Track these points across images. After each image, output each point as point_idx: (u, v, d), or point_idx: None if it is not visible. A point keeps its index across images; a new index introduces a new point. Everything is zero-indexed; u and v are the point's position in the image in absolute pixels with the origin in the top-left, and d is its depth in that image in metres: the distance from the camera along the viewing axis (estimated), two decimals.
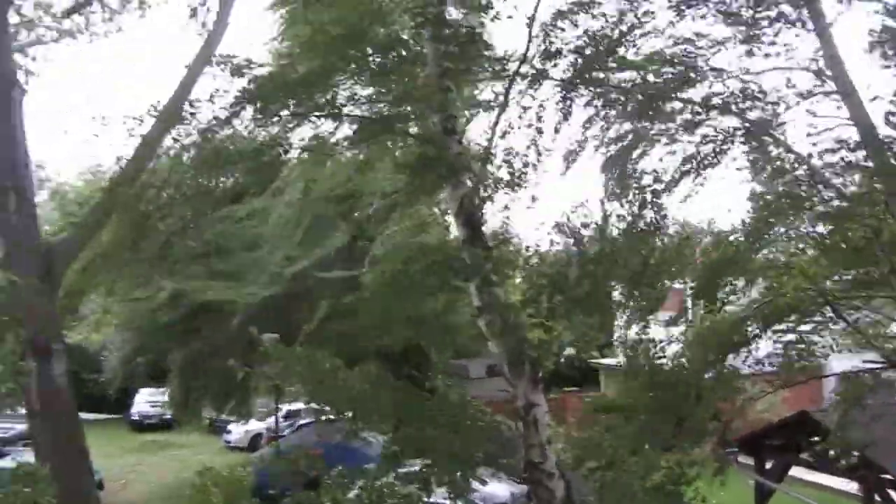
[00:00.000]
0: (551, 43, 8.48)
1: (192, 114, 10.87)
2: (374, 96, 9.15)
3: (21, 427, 20.58)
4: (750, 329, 10.82)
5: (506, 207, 9.00)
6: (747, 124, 9.74)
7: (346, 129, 9.52)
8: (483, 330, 8.46)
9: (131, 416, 34.53)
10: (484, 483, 15.16)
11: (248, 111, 9.41)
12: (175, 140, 12.64)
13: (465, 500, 16.33)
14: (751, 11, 9.84)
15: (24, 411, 15.33)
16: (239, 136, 11.73)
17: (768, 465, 16.06)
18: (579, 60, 8.71)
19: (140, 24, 17.62)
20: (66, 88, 74.28)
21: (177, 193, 18.73)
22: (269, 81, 8.61)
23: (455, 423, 8.84)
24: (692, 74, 9.61)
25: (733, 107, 9.80)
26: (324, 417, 10.82)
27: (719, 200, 11.71)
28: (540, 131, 8.78)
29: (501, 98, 8.91)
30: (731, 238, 10.71)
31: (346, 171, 12.92)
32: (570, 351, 12.70)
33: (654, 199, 9.22)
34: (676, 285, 12.35)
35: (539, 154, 8.68)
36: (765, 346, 11.68)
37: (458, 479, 8.41)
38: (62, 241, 16.88)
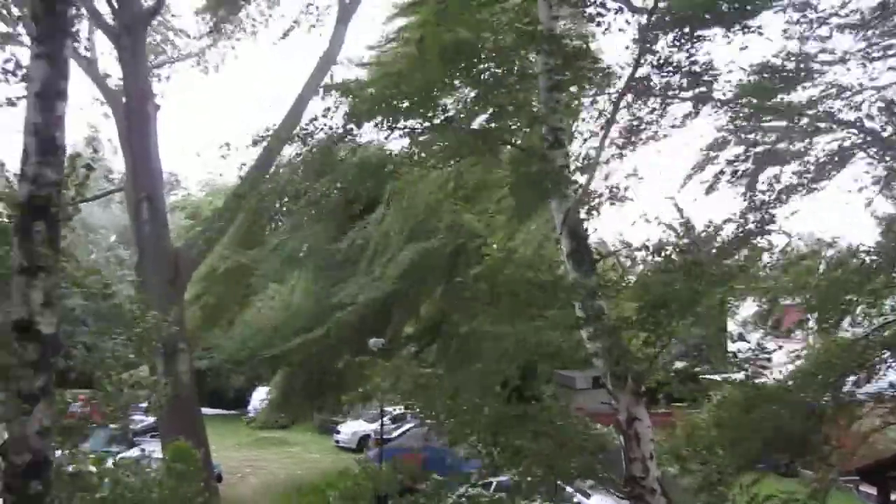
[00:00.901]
0: (666, 60, 8.40)
1: (305, 130, 11.47)
2: (480, 110, 9.32)
3: (150, 420, 21.96)
4: (873, 353, 10.32)
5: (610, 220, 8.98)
6: (869, 137, 9.31)
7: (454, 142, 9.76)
8: (585, 342, 8.47)
9: (248, 412, 36.13)
10: (587, 496, 15.09)
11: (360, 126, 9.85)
12: (295, 154, 13.38)
13: None
14: (874, 23, 9.44)
15: None
16: (351, 148, 12.26)
17: (894, 497, 15.18)
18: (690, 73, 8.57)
19: (261, 46, 18.66)
20: (194, 104, 78.64)
21: (293, 202, 19.67)
22: (378, 99, 8.93)
23: (553, 434, 8.85)
24: (808, 86, 9.28)
25: (856, 119, 9.41)
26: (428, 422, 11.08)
27: (840, 217, 11.24)
28: (645, 143, 8.72)
29: (608, 112, 8.92)
30: (856, 257, 10.24)
31: (451, 182, 13.20)
32: (680, 364, 12.50)
33: (766, 212, 8.95)
34: (791, 301, 11.91)
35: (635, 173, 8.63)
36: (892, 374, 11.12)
37: (549, 489, 8.42)
38: (189, 247, 17.96)
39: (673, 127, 9.53)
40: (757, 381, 9.76)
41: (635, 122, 9.10)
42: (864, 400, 10.64)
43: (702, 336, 11.11)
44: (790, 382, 10.19)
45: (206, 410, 22.12)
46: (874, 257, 9.65)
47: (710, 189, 10.96)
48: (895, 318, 10.58)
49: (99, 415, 13.00)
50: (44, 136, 4.96)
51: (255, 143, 11.09)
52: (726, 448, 9.49)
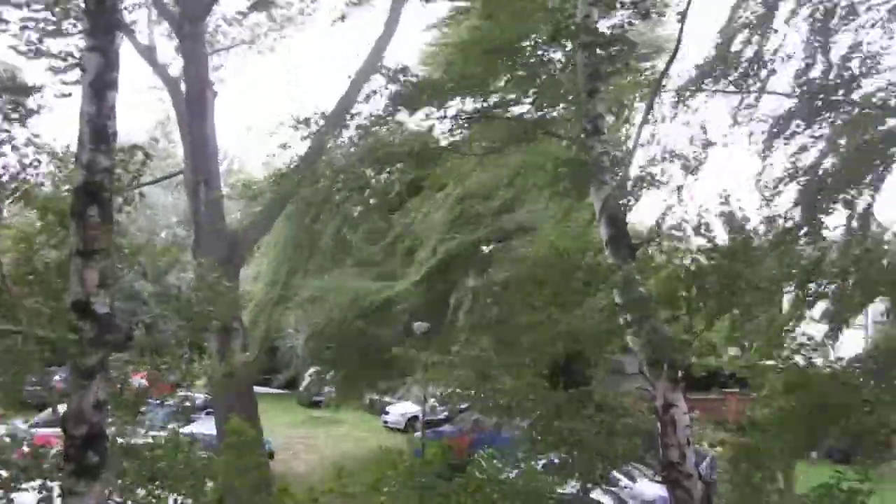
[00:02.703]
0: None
1: (357, 114, 11.72)
2: (523, 100, 9.42)
3: (204, 397, 22.69)
4: None
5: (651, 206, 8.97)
6: None
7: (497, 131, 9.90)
8: (624, 328, 8.51)
9: (300, 392, 37.02)
10: (633, 480, 15.12)
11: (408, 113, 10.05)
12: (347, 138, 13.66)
13: (612, 495, 16.26)
14: None
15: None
16: (399, 134, 12.47)
17: None
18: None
19: (316, 33, 18.91)
20: (250, 89, 79.95)
21: (345, 187, 19.93)
22: (426, 87, 9.11)
23: (599, 419, 8.93)
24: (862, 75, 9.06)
25: None
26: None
27: None
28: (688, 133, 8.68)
29: (647, 100, 8.90)
30: None
31: (494, 170, 13.30)
32: (733, 351, 12.38)
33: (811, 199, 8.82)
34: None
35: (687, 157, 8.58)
36: None
37: (594, 472, 8.53)
38: (244, 229, 18.46)
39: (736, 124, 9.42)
40: (813, 368, 9.67)
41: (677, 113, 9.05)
42: None
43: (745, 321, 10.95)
44: (846, 369, 10.02)
45: (258, 389, 22.78)
46: None
47: (779, 183, 10.70)
48: None
49: (157, 390, 13.57)
50: (96, 125, 5.26)
51: (304, 123, 11.32)
52: (776, 435, 9.39)
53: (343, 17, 17.85)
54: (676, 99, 9.16)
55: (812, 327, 10.32)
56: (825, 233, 9.53)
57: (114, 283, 5.81)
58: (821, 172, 9.85)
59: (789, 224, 8.41)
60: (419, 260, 21.01)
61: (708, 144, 9.10)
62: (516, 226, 17.78)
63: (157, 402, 16.64)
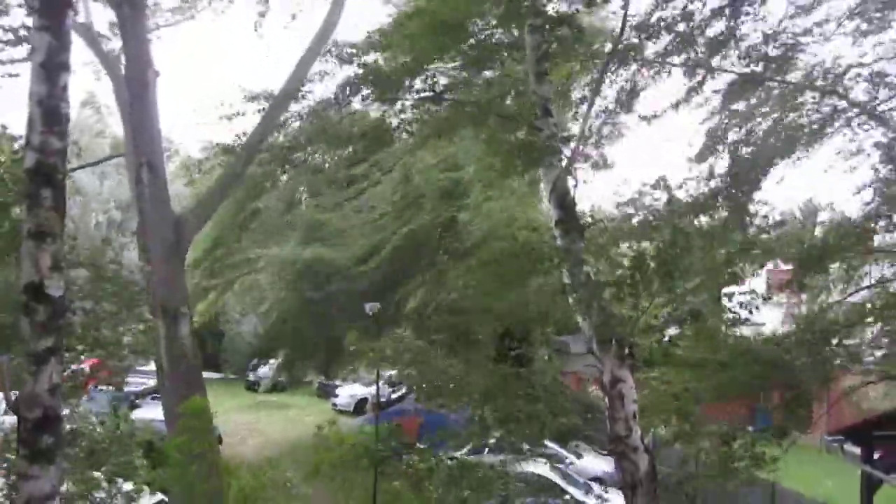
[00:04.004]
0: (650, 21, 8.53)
1: (305, 94, 11.65)
2: (472, 81, 9.53)
3: (151, 383, 22.36)
4: (853, 318, 10.63)
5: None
6: (851, 106, 9.51)
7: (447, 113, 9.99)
8: (572, 307, 8.76)
9: (248, 377, 36.72)
10: (579, 456, 15.55)
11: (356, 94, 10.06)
12: (291, 117, 13.57)
13: (558, 472, 16.67)
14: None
15: (154, 368, 16.81)
16: (349, 115, 12.45)
17: (876, 456, 15.58)
18: (674, 39, 8.74)
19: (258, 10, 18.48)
20: (192, 68, 78.05)
21: (291, 168, 19.80)
22: (375, 70, 9.14)
23: (544, 398, 9.19)
24: (793, 56, 9.44)
25: (839, 88, 9.59)
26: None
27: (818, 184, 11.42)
28: (628, 110, 8.91)
29: (595, 82, 9.11)
30: (845, 223, 10.48)
31: (444, 150, 13.40)
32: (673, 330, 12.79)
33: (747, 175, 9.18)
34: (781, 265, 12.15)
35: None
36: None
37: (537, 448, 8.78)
38: (189, 212, 18.13)
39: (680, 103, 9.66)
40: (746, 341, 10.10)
41: (624, 92, 9.30)
42: (843, 361, 10.98)
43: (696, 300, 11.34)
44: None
45: (206, 375, 22.54)
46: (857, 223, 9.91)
47: (701, 157, 11.14)
48: (871, 285, 10.91)
49: (98, 376, 13.34)
50: (48, 106, 5.16)
51: (251, 100, 11.20)
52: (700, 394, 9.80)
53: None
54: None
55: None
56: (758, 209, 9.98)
57: (66, 267, 5.74)
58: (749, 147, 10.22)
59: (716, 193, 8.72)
60: (367, 237, 20.94)
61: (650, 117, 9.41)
62: (463, 207, 17.95)
63: (99, 387, 16.33)
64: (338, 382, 32.19)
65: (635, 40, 8.69)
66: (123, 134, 19.35)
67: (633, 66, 8.97)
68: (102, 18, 19.31)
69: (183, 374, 15.61)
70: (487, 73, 10.05)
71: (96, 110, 42.54)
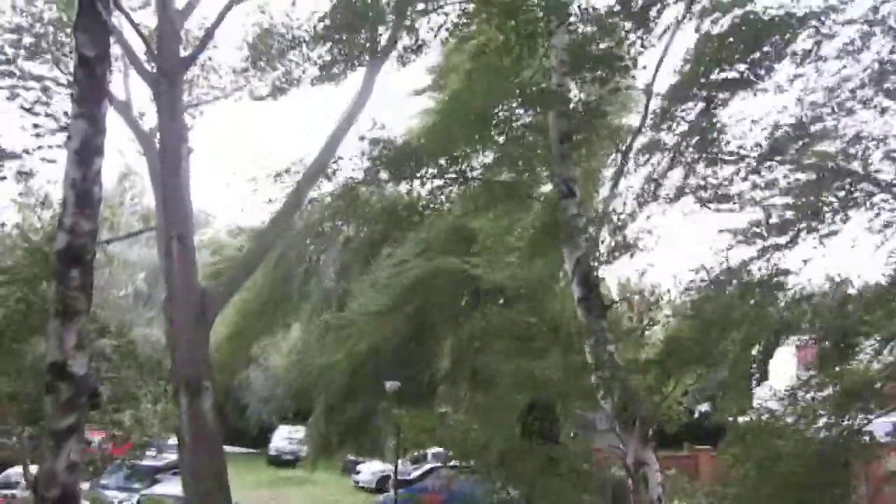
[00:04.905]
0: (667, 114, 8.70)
1: (334, 172, 11.91)
2: (499, 163, 9.70)
3: (172, 457, 22.20)
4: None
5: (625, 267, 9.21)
6: (878, 187, 9.48)
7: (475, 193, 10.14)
8: (595, 387, 8.65)
9: (270, 451, 36.35)
10: None
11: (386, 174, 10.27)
12: (319, 195, 13.83)
13: None
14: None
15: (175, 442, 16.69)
16: (378, 193, 12.67)
17: None
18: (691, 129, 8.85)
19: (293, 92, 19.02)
20: (226, 144, 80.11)
21: (321, 242, 20.01)
22: (403, 150, 9.37)
23: (571, 476, 9.01)
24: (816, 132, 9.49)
25: (860, 166, 9.59)
26: (452, 464, 11.28)
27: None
28: (655, 197, 8.97)
29: (619, 164, 9.21)
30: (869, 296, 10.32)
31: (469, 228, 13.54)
32: (705, 407, 12.51)
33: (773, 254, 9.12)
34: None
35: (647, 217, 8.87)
36: None
37: None
38: (216, 286, 18.29)
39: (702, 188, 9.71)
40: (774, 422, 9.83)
41: (651, 179, 9.35)
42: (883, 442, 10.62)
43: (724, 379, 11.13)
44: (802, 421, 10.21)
45: (227, 448, 22.33)
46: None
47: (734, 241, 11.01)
48: None
49: (119, 450, 13.30)
50: (81, 190, 5.35)
51: (277, 176, 11.46)
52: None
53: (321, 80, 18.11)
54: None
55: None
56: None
57: (89, 344, 5.82)
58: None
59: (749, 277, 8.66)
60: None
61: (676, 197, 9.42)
62: (491, 284, 17.90)
63: (119, 462, 16.24)
64: (360, 458, 31.74)
65: (654, 133, 8.84)
66: (155, 207, 19.77)
67: (656, 155, 9.05)
68: (142, 94, 19.90)
69: (204, 448, 15.47)
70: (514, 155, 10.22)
71: (131, 182, 43.70)
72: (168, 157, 18.10)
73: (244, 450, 37.51)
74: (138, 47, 18.74)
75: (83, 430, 5.67)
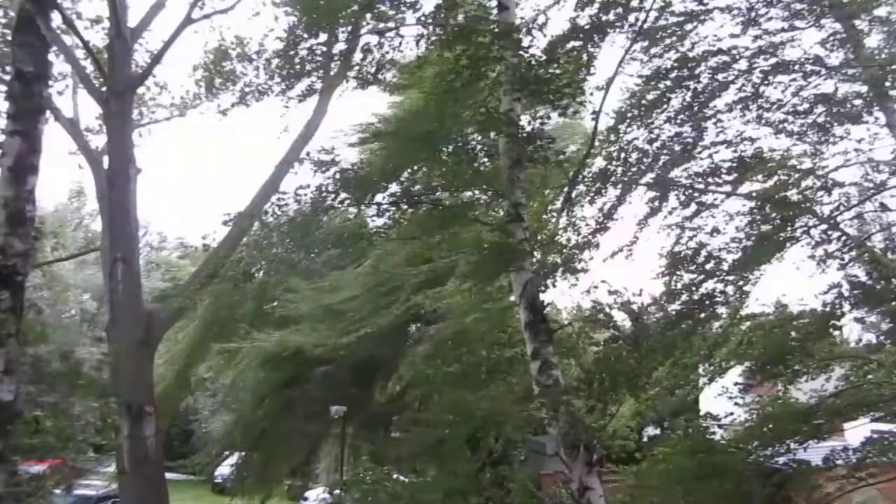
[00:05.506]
0: (613, 143, 8.88)
1: (284, 197, 11.81)
2: (447, 187, 9.74)
3: (114, 486, 21.53)
4: (822, 420, 10.58)
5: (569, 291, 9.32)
6: (814, 218, 9.78)
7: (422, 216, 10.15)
8: (542, 411, 8.67)
9: (215, 478, 35.44)
10: None
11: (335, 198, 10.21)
12: (269, 218, 13.69)
13: None
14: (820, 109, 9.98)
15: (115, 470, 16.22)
16: (329, 216, 12.58)
17: None
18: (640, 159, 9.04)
19: (243, 116, 18.93)
20: (171, 164, 79.17)
21: (270, 267, 19.77)
22: (352, 175, 9.34)
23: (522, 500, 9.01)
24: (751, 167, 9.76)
25: (802, 202, 9.88)
26: None
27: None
28: (600, 225, 9.10)
29: (567, 190, 9.34)
30: (799, 322, 10.59)
31: (416, 252, 13.55)
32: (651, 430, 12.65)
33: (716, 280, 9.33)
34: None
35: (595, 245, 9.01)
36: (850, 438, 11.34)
37: None
38: (161, 309, 17.94)
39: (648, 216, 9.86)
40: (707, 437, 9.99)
41: (598, 204, 9.49)
42: (819, 467, 10.83)
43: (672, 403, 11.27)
44: (741, 444, 10.40)
45: (171, 476, 21.77)
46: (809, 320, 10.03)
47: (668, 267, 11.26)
48: (846, 387, 10.91)
49: (58, 479, 12.85)
50: (14, 209, 5.20)
51: (225, 223, 11.37)
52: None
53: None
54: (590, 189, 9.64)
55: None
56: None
57: (19, 368, 5.63)
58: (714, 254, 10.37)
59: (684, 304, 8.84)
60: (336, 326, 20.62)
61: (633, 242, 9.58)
62: (434, 307, 17.92)
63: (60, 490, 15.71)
64: (309, 485, 31.22)
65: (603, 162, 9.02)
66: (101, 228, 19.36)
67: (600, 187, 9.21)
68: (91, 112, 19.56)
69: (144, 475, 15.07)
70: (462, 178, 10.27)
71: (80, 202, 42.77)
72: (115, 177, 17.81)
73: (189, 477, 36.55)
74: (88, 65, 18.50)
75: (9, 457, 5.46)
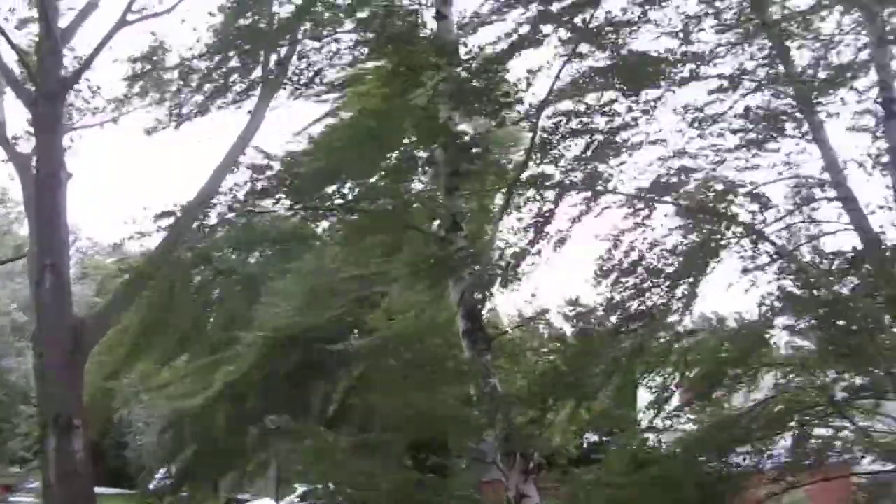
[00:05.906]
0: (551, 147, 8.98)
1: (218, 202, 11.63)
2: (385, 192, 9.71)
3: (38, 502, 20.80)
4: (754, 427, 10.85)
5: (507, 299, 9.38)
6: (741, 229, 10.05)
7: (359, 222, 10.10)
8: (479, 419, 8.70)
9: (148, 490, 34.58)
10: None
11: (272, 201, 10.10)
12: (204, 225, 13.44)
13: None
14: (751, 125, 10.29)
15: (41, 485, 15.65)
16: (265, 222, 12.42)
17: None
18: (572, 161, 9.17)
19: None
20: (105, 168, 77.17)
21: (208, 271, 19.42)
22: (287, 178, 9.24)
23: None
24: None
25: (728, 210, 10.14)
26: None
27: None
28: (538, 232, 9.19)
29: (505, 198, 9.41)
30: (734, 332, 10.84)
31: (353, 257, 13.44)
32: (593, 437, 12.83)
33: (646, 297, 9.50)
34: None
35: (535, 252, 9.08)
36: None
37: None
38: (92, 318, 17.44)
39: (575, 220, 9.97)
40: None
41: (535, 212, 9.56)
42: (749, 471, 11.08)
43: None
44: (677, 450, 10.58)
45: (103, 490, 21.10)
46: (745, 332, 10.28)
47: (605, 276, 11.41)
48: (774, 396, 11.21)
49: None
50: None
51: (158, 217, 11.12)
52: None
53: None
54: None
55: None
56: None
57: None
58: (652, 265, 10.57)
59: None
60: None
61: (562, 241, 9.68)
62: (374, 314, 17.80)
63: None
64: (248, 497, 30.70)
65: (541, 166, 9.11)
66: (28, 235, 18.70)
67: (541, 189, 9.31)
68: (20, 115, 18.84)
69: (71, 490, 14.57)
70: (405, 185, 10.28)
71: (5, 208, 41.31)
72: (43, 182, 17.24)
73: (122, 490, 35.53)
74: (16, 66, 17.88)
75: None
